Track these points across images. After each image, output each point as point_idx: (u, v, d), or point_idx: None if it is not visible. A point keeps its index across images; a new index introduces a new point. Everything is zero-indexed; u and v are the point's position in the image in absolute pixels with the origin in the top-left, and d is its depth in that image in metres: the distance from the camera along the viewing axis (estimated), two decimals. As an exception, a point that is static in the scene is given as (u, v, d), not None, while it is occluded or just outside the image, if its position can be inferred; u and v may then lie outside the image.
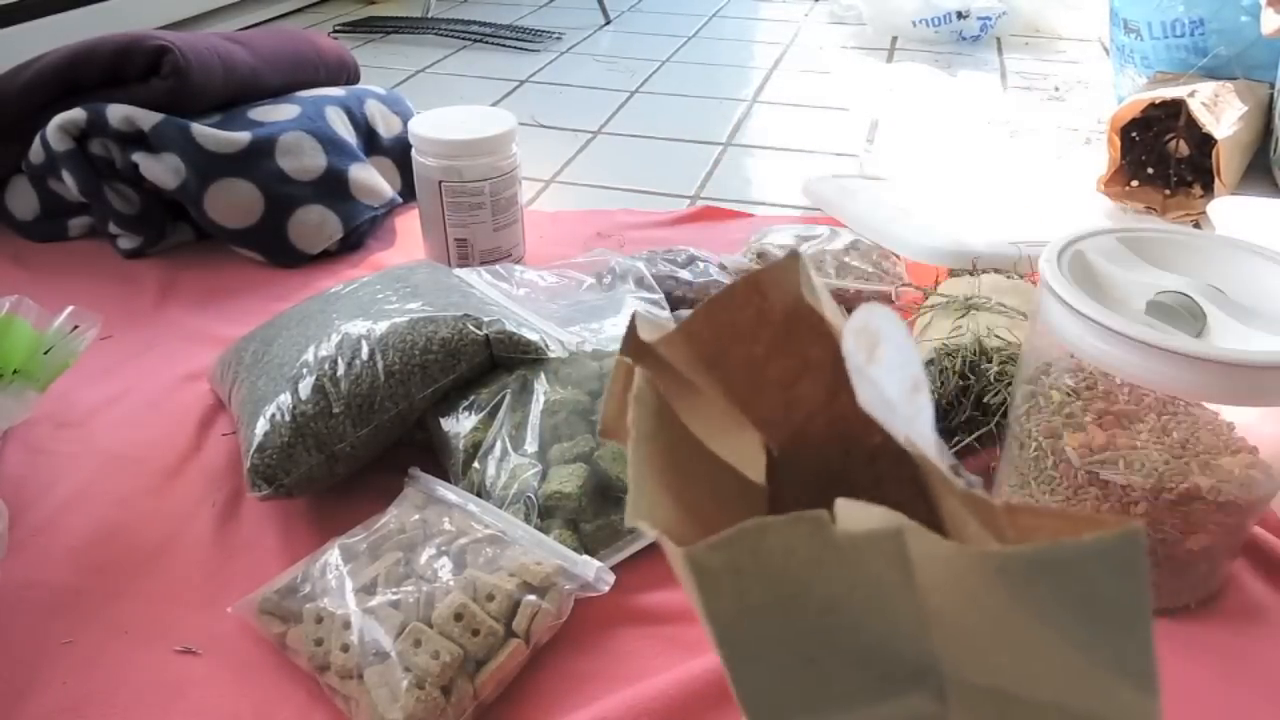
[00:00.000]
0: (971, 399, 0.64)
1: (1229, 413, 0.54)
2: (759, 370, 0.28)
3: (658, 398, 0.28)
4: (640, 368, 0.28)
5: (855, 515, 0.21)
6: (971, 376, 0.64)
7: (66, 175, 0.89)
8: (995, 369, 0.64)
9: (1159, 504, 0.51)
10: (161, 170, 0.88)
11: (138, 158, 0.88)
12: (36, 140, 0.90)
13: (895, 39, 1.71)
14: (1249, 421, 0.53)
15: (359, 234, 0.96)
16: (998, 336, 0.66)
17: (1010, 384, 0.62)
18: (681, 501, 0.26)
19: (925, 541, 0.21)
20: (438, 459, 0.64)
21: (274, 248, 0.92)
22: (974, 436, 0.63)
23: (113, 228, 0.92)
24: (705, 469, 0.28)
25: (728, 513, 0.27)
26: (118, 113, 0.88)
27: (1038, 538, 0.22)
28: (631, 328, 0.29)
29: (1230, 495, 0.51)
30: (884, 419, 0.23)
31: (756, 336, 0.28)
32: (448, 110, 0.89)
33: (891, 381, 0.23)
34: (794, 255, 0.28)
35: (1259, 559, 0.59)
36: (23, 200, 0.95)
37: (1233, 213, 0.79)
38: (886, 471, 0.28)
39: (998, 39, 1.71)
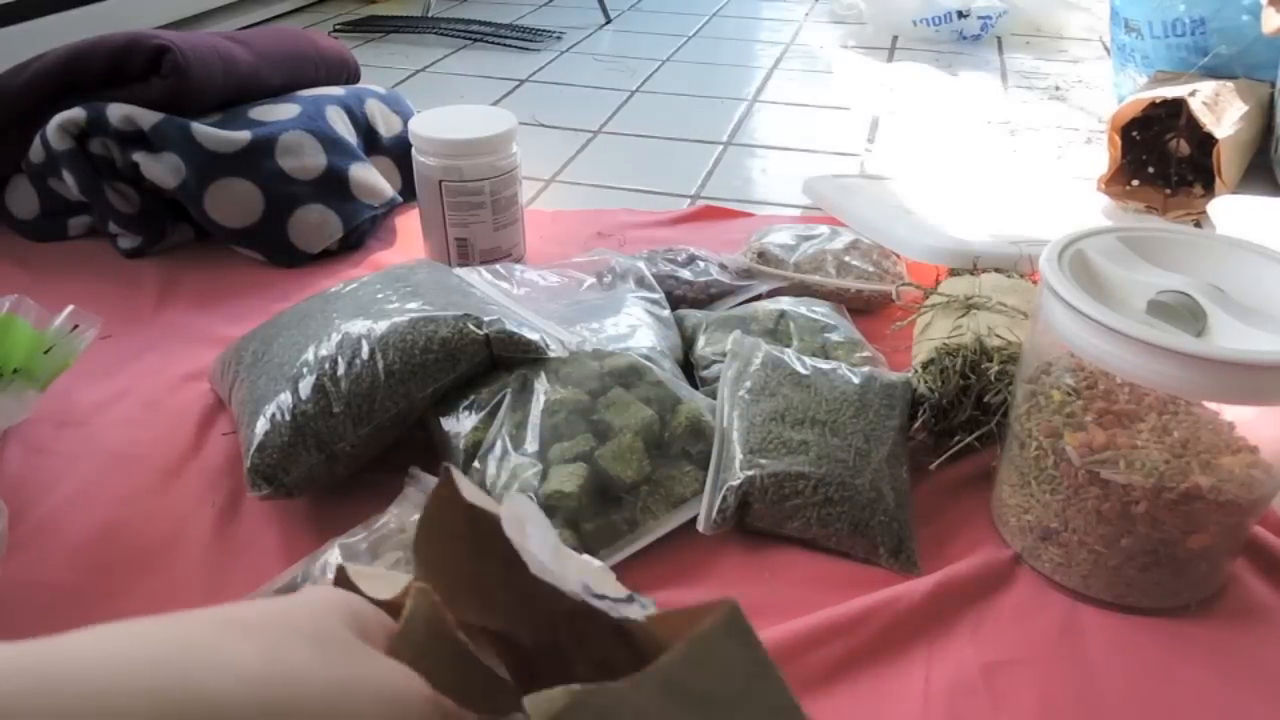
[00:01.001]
0: (972, 398, 0.64)
1: (1230, 412, 0.53)
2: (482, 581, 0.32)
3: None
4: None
5: (540, 705, 0.24)
6: (972, 376, 0.64)
7: (67, 174, 0.89)
8: (996, 368, 0.63)
9: (1159, 503, 0.51)
10: (161, 169, 0.88)
11: (138, 157, 0.88)
12: (36, 139, 0.90)
13: (896, 38, 1.71)
14: (1249, 421, 0.53)
15: (359, 233, 0.96)
16: (998, 336, 0.65)
17: (1011, 383, 0.62)
18: None
19: (602, 695, 0.24)
20: (438, 459, 0.64)
21: (274, 247, 0.92)
22: (974, 436, 0.63)
23: (113, 227, 0.92)
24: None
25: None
26: (118, 112, 0.88)
27: (680, 636, 0.26)
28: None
29: (1231, 495, 0.51)
30: (551, 580, 0.29)
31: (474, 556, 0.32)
32: (448, 110, 0.89)
33: (542, 551, 0.29)
34: (446, 470, 0.31)
35: (1260, 559, 0.59)
36: (23, 200, 0.95)
37: (1234, 212, 0.78)
38: (584, 630, 0.31)
39: (998, 38, 1.71)
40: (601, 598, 0.29)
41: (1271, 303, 0.52)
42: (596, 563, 0.31)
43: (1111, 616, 0.55)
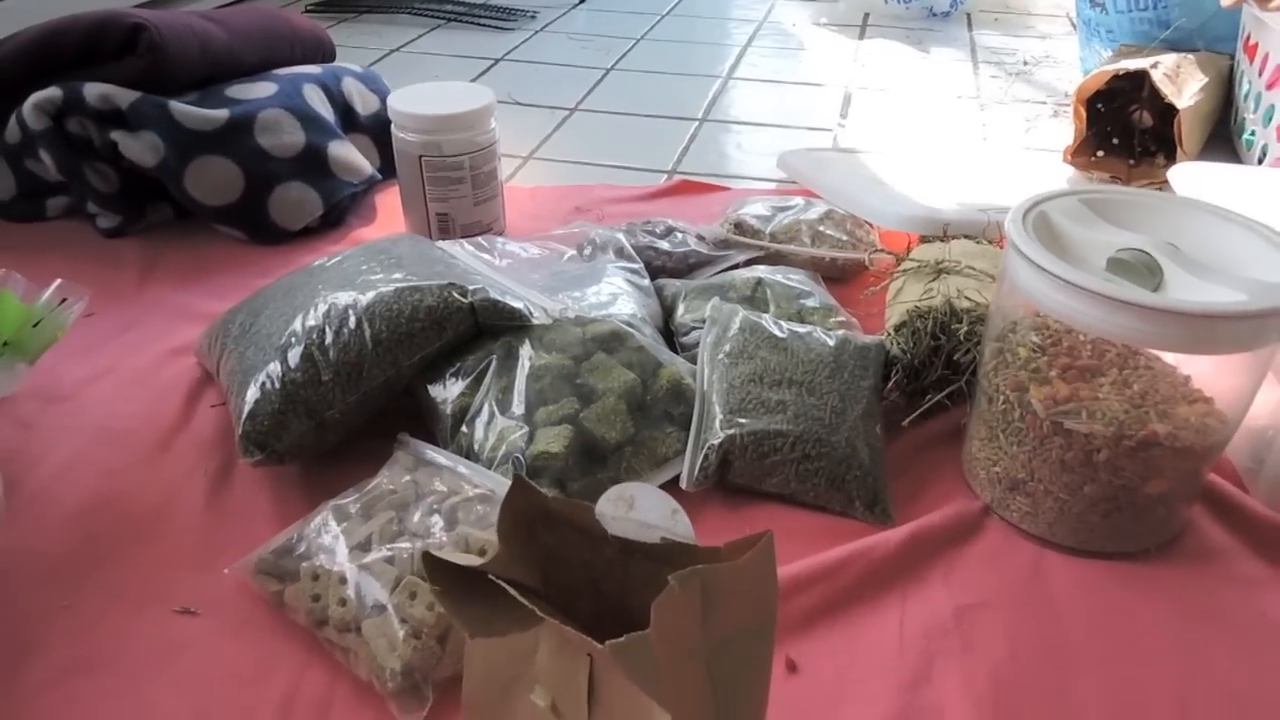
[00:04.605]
0: (943, 358, 0.66)
1: (1186, 367, 0.56)
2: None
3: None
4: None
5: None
6: (943, 336, 0.66)
7: (44, 154, 0.89)
8: (965, 329, 0.66)
9: (1119, 450, 0.54)
10: (140, 148, 0.88)
11: (116, 136, 0.88)
12: (12, 119, 0.90)
13: (867, 15, 1.72)
14: (1205, 376, 0.56)
15: (339, 210, 0.97)
16: (967, 298, 0.68)
17: (979, 343, 0.64)
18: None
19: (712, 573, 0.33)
20: (425, 427, 0.65)
21: (255, 225, 0.92)
22: (944, 393, 0.66)
23: (91, 207, 0.92)
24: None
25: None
26: (94, 91, 0.88)
27: (737, 556, 0.34)
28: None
29: (1187, 441, 0.54)
30: (637, 537, 0.38)
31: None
32: (427, 86, 0.90)
33: (654, 514, 0.39)
34: (519, 477, 0.38)
35: (1215, 506, 0.62)
36: (-1, 180, 0.95)
37: (1192, 177, 0.81)
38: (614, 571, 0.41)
39: (968, 15, 1.74)
40: (666, 538, 0.39)
41: (1223, 258, 0.55)
42: (684, 521, 0.40)
43: (1076, 561, 0.58)
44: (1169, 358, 0.57)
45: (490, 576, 0.33)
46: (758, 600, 0.34)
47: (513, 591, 0.32)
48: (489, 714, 0.38)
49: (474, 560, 0.35)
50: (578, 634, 0.30)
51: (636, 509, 0.36)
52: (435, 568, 0.34)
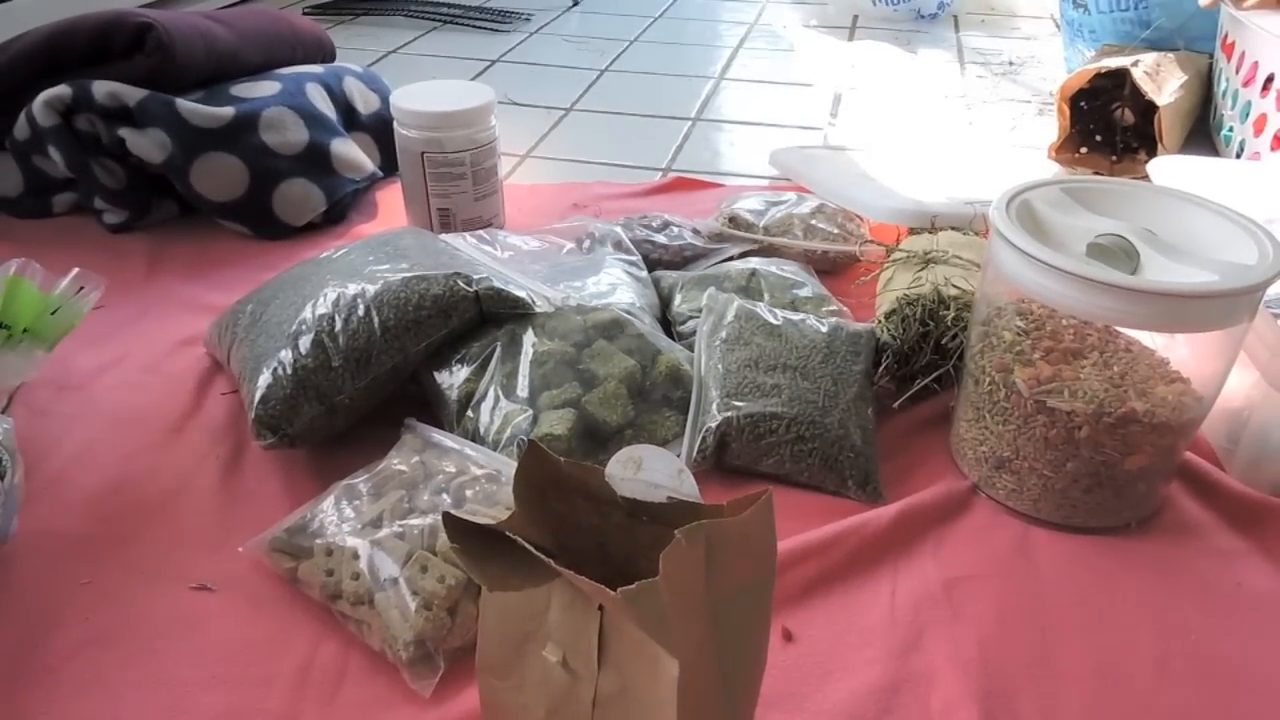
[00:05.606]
0: (931, 344, 0.69)
1: (1164, 352, 0.59)
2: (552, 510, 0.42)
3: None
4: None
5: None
6: (931, 323, 0.69)
7: (53, 151, 0.90)
8: (952, 315, 0.68)
9: (1100, 427, 0.56)
10: (148, 145, 0.90)
11: (124, 133, 0.90)
12: (21, 116, 0.91)
13: (856, 17, 1.75)
14: (1182, 359, 0.59)
15: (341, 207, 0.99)
16: (955, 286, 0.70)
17: (966, 328, 0.67)
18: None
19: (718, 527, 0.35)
20: (431, 413, 0.67)
21: (259, 220, 0.94)
22: (933, 377, 0.68)
23: (99, 203, 0.93)
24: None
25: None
26: (103, 89, 0.89)
27: (738, 513, 0.37)
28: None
29: (1163, 418, 0.56)
30: (645, 497, 0.41)
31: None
32: (429, 84, 0.92)
33: (660, 474, 0.41)
34: (532, 442, 0.40)
35: (1193, 483, 0.64)
36: (6, 177, 0.97)
37: (1171, 169, 0.84)
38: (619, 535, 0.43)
39: (955, 17, 1.77)
40: (673, 497, 0.41)
41: (1196, 242, 0.57)
42: (690, 480, 0.43)
43: (1060, 536, 0.60)
44: (1147, 341, 0.59)
45: (507, 533, 0.35)
46: (758, 555, 0.37)
47: (528, 546, 0.34)
48: (503, 672, 0.40)
49: (491, 520, 0.37)
50: (591, 583, 0.32)
51: (644, 470, 0.38)
52: (455, 526, 0.36)
